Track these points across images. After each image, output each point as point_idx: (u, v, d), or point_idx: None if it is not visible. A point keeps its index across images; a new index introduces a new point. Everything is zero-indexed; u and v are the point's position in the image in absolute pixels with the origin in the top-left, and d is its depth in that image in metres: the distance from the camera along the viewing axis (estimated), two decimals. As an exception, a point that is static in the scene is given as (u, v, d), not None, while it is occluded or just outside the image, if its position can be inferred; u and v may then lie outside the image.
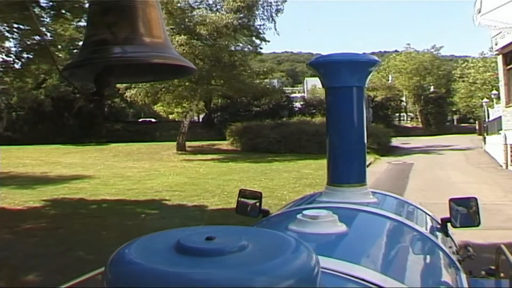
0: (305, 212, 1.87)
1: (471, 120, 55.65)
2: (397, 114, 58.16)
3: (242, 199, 2.98)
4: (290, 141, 30.15)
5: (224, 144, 34.73)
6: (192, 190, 14.83)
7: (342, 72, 2.53)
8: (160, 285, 0.89)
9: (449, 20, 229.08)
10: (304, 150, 28.41)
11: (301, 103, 49.19)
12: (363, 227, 2.27)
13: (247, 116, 39.98)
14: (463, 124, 57.80)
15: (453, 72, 56.47)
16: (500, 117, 23.13)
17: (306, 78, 72.83)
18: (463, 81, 54.24)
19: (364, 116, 2.64)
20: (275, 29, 30.52)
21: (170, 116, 46.94)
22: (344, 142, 2.65)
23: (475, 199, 2.69)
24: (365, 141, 2.67)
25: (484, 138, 29.29)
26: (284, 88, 74.44)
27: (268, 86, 33.59)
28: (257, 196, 2.95)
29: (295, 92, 63.91)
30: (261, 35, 31.67)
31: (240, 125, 33.82)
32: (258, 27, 31.05)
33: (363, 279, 1.46)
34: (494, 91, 31.57)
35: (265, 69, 33.14)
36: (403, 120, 61.15)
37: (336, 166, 2.66)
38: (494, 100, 29.95)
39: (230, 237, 1.02)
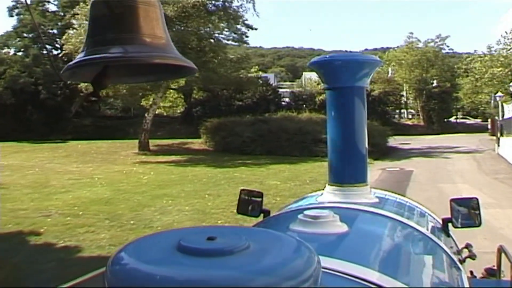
0: (306, 212, 1.88)
1: (478, 118, 51.83)
2: (396, 111, 53.43)
3: (243, 199, 2.94)
4: (268, 140, 25.66)
5: (197, 143, 30.79)
6: (93, 215, 10.63)
7: (343, 73, 2.54)
8: (161, 285, 0.87)
9: (453, 17, 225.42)
10: (283, 152, 24.21)
11: (289, 97, 44.58)
12: (365, 227, 2.23)
13: (229, 111, 35.82)
14: (468, 122, 53.39)
15: (456, 66, 52.43)
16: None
17: (304, 73, 69.58)
18: (467, 75, 50.64)
19: (365, 116, 2.64)
20: (254, 10, 26.66)
21: (157, 111, 43.44)
22: (345, 142, 2.64)
23: (476, 199, 2.68)
24: (366, 140, 2.65)
25: (498, 139, 24.76)
26: (282, 83, 71.42)
27: (241, 75, 29.11)
28: (259, 195, 2.89)
29: (292, 87, 59.99)
30: (241, 19, 27.93)
31: (215, 121, 29.57)
32: (236, 8, 27.09)
33: (364, 279, 1.46)
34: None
35: (239, 56, 28.68)
36: (403, 117, 56.61)
37: (337, 165, 2.66)
38: (513, 94, 25.26)
39: (231, 237, 1.00)
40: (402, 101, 53.58)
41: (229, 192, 13.17)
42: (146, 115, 27.82)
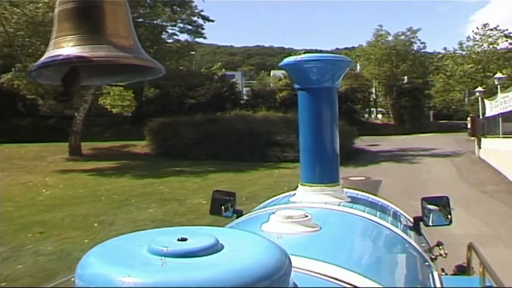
0: (278, 212, 1.87)
1: (454, 117, 49.95)
2: (366, 109, 50.61)
3: (215, 200, 2.94)
4: (215, 143, 22.12)
5: (140, 146, 27.27)
6: None
7: (314, 73, 2.53)
8: (131, 287, 0.86)
9: (423, 18, 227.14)
10: (231, 156, 20.91)
11: (248, 95, 41.43)
12: (337, 226, 2.23)
13: (180, 110, 32.51)
14: (442, 121, 50.89)
15: (427, 64, 50.87)
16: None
17: (272, 71, 69.71)
18: (438, 73, 49.83)
19: (336, 116, 2.63)
20: (200, -5, 23.48)
21: (114, 110, 42.21)
22: (316, 142, 2.62)
23: (447, 197, 2.71)
24: (338, 140, 2.64)
25: (479, 140, 21.69)
26: (252, 81, 68.80)
27: (181, 67, 25.78)
28: (232, 195, 2.92)
29: (257, 85, 57.49)
30: (190, 8, 24.94)
31: (159, 121, 26.10)
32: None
33: (336, 278, 1.45)
34: (499, 75, 23.87)
35: (179, 45, 25.37)
36: (373, 115, 53.93)
37: (309, 166, 2.63)
38: (499, 88, 22.12)
39: (202, 238, 1.00)
40: (371, 99, 50.76)
41: (128, 218, 9.70)
42: (76, 114, 24.21)
